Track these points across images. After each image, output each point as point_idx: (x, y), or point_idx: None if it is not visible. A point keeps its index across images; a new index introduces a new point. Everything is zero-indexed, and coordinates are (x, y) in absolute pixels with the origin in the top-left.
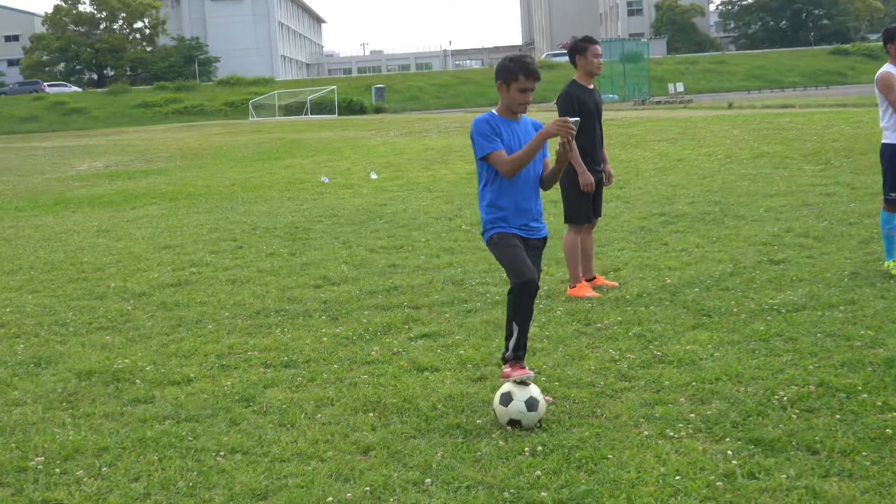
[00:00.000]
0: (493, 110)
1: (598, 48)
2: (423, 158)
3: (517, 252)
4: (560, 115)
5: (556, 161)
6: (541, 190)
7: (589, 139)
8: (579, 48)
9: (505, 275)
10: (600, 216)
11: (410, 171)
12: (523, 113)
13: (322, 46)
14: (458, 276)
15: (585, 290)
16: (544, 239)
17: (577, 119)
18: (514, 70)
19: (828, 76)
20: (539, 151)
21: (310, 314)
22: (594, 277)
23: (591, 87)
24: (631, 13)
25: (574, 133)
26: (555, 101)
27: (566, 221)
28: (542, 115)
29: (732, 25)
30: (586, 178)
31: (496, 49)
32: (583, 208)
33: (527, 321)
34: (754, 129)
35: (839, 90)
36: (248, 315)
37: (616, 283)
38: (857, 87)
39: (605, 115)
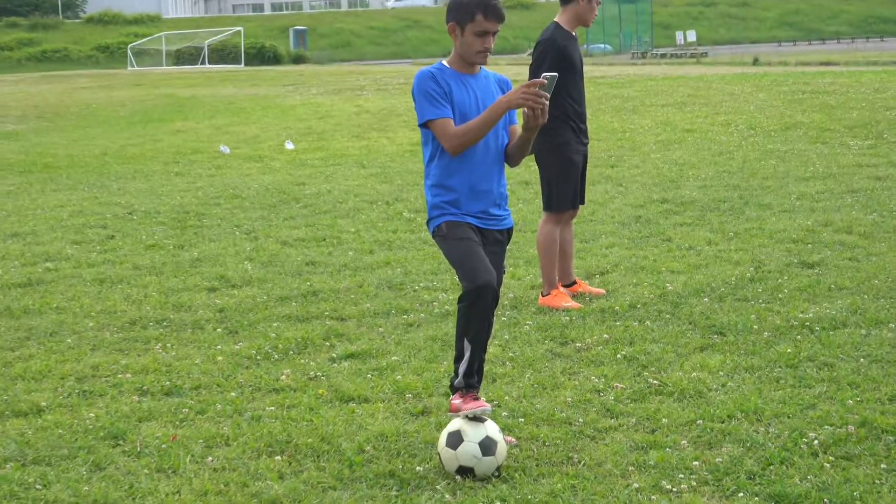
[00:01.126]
0: (444, 61)
1: None
2: (355, 124)
3: (471, 247)
4: (537, 70)
5: (523, 128)
6: (506, 166)
7: (577, 102)
8: None
9: (456, 277)
10: (584, 203)
11: (338, 140)
12: (482, 64)
13: None
14: (396, 279)
15: (562, 298)
16: (509, 231)
17: (554, 75)
18: (470, 7)
19: (882, 25)
20: (498, 122)
21: (201, 326)
22: (574, 282)
23: (575, 34)
24: None
25: (546, 101)
26: (528, 51)
27: (545, 209)
28: (514, 69)
29: None
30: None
31: None
32: (568, 191)
33: (483, 338)
34: (786, 93)
35: None
36: (120, 326)
37: (602, 291)
38: None
39: (595, 71)
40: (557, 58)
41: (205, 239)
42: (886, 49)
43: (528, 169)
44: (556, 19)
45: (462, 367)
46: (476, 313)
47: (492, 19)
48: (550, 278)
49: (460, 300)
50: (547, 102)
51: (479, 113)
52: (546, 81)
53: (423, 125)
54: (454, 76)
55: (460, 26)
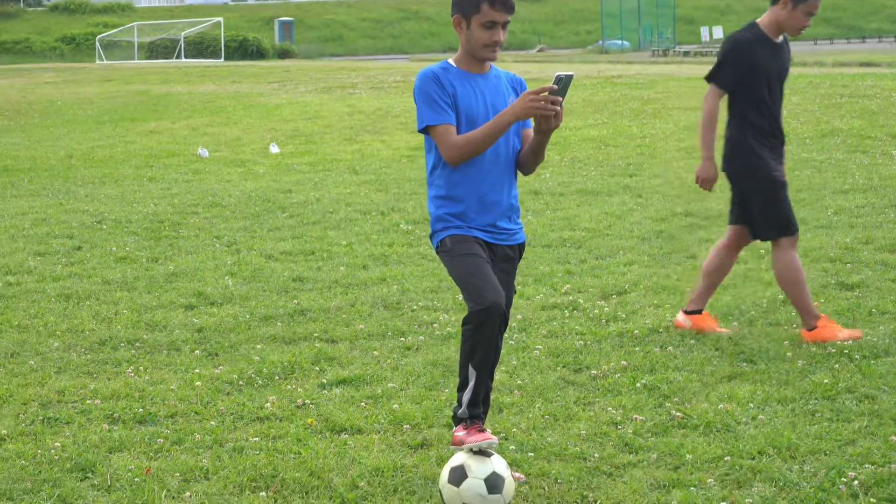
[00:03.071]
0: (450, 60)
1: None
2: (347, 126)
3: (478, 264)
4: (716, 71)
5: (536, 131)
6: (519, 174)
7: (767, 116)
8: None
9: (461, 296)
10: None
11: (327, 143)
12: (492, 59)
13: None
14: (392, 297)
15: (835, 329)
16: (521, 246)
17: (570, 74)
18: None
19: None
20: (506, 132)
21: (177, 347)
22: (701, 311)
23: (779, 40)
24: None
25: (559, 107)
26: (539, 47)
27: (777, 236)
28: (522, 67)
29: None
30: (706, 169)
31: None
32: (784, 210)
33: (490, 365)
34: (822, 96)
35: None
36: (89, 346)
37: (727, 331)
38: None
39: (611, 69)
40: (738, 61)
41: (181, 251)
42: None
43: (538, 178)
44: (757, 20)
45: (466, 395)
46: (482, 337)
47: (499, 8)
48: (809, 309)
49: (465, 322)
50: (559, 108)
51: (488, 118)
52: (557, 87)
53: (423, 131)
54: (461, 76)
55: (465, 18)
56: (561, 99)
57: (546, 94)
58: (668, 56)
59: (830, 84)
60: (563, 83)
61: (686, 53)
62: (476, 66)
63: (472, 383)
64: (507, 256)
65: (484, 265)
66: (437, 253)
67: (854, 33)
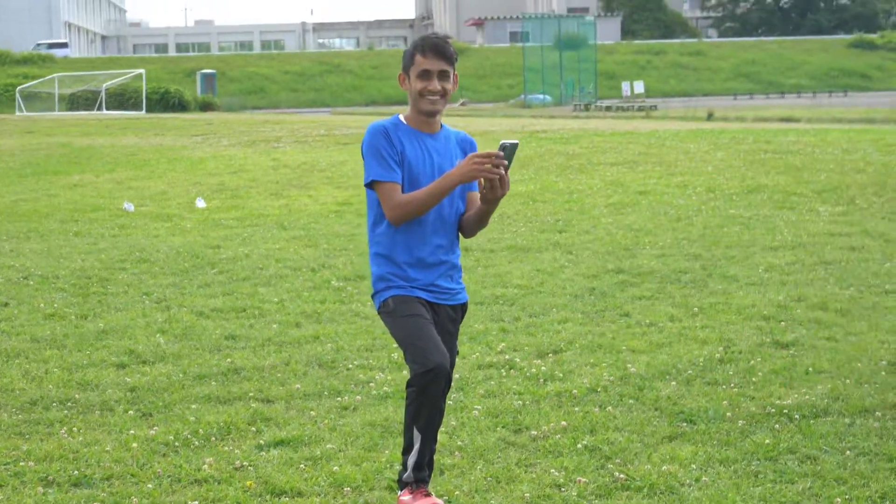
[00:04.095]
0: (401, 115)
1: None
2: (273, 180)
3: (422, 326)
4: None
5: (482, 199)
6: (461, 236)
7: None
8: None
9: (400, 355)
10: None
11: (254, 197)
12: (431, 113)
13: (124, 11)
14: (327, 356)
15: None
16: (463, 307)
17: (515, 142)
18: (410, 50)
19: (846, 78)
20: (449, 194)
21: (110, 407)
22: None
23: None
24: None
25: (504, 172)
26: (462, 101)
27: None
28: (447, 120)
29: (714, 2)
30: None
31: (378, 24)
32: None
33: (434, 427)
34: (746, 152)
35: (862, 98)
36: (19, 406)
37: None
38: (889, 95)
39: (535, 124)
40: None
41: (110, 308)
42: (851, 105)
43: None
44: None
45: (411, 459)
46: (427, 399)
47: (430, 56)
48: None
49: (409, 384)
50: (504, 173)
51: (433, 179)
52: (503, 151)
53: (369, 185)
54: (409, 134)
55: (406, 72)
56: (506, 163)
57: (490, 158)
58: (589, 110)
59: (753, 140)
60: (509, 151)
61: (608, 108)
62: (425, 125)
63: (417, 446)
64: (449, 317)
65: (427, 326)
66: (379, 313)
67: (773, 88)
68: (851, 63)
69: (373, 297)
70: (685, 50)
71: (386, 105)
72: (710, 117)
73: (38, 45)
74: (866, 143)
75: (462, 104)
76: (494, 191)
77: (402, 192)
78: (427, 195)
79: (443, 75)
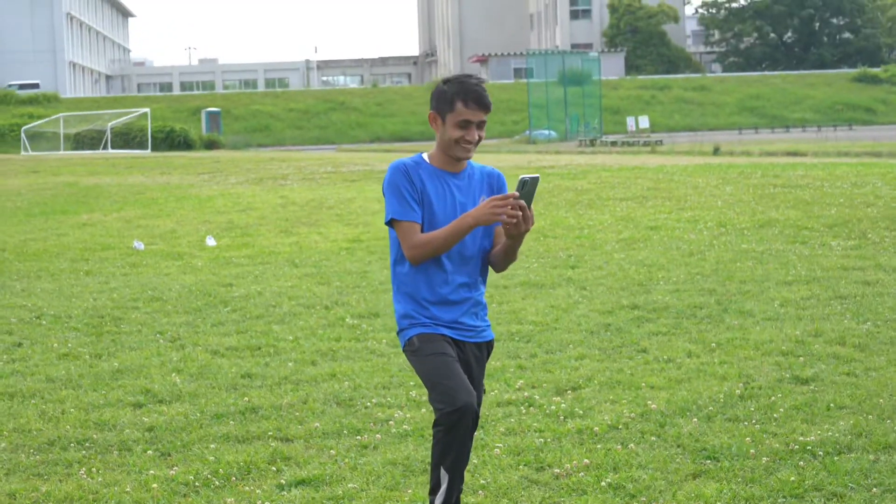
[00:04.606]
0: (424, 155)
1: None
2: (282, 217)
3: (448, 364)
4: None
5: (506, 235)
6: (491, 270)
7: None
8: None
9: (419, 392)
10: None
11: (264, 235)
12: (464, 158)
13: (129, 51)
14: (344, 394)
15: None
16: (489, 344)
17: (535, 177)
18: (449, 94)
19: (851, 112)
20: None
21: (128, 447)
22: None
23: None
24: (575, 15)
25: (522, 212)
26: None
27: None
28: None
29: (717, 37)
30: None
31: (382, 61)
32: None
33: (461, 467)
34: (755, 186)
35: (866, 132)
36: (37, 447)
37: None
38: (894, 129)
39: (542, 160)
40: None
41: (124, 347)
42: (857, 138)
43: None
44: None
45: (439, 499)
46: (454, 439)
47: (473, 107)
48: None
49: (436, 424)
50: (524, 212)
51: (454, 219)
52: (520, 192)
53: (389, 224)
54: (432, 173)
55: (441, 116)
56: (525, 203)
57: (511, 200)
58: (595, 146)
59: (762, 174)
60: (529, 186)
61: (613, 143)
62: (449, 164)
63: (444, 486)
64: (475, 355)
65: (453, 364)
66: (405, 352)
67: (777, 122)
68: (856, 97)
69: (398, 334)
70: (689, 85)
71: (390, 141)
72: (716, 152)
73: (10, 85)
74: (875, 176)
75: None
76: (518, 226)
77: (422, 230)
78: (445, 235)
79: (481, 125)
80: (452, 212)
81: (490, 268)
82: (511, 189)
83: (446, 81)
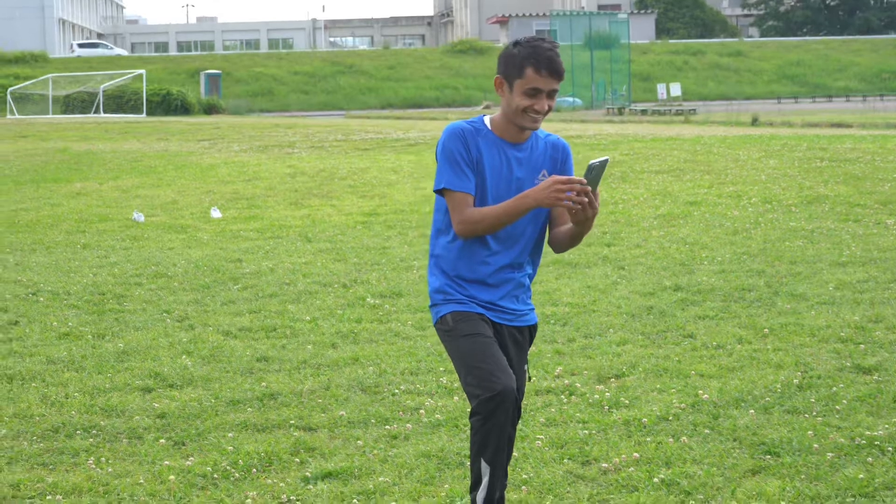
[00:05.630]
0: (486, 119)
1: None
2: (291, 188)
3: (486, 345)
4: None
5: (572, 220)
6: (546, 249)
7: None
8: None
9: (450, 378)
10: None
11: (273, 207)
12: (531, 128)
13: (123, 8)
14: (369, 379)
15: None
16: (531, 329)
17: (605, 159)
18: (519, 59)
19: None
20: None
21: (139, 435)
22: None
23: None
24: None
25: (587, 197)
26: (484, 103)
27: None
28: None
29: None
30: None
31: (394, 21)
32: None
33: (504, 459)
34: (800, 160)
35: None
36: (41, 434)
37: None
38: None
39: (568, 129)
40: None
41: (129, 327)
42: None
43: None
44: None
45: (481, 494)
46: (494, 427)
47: (545, 74)
48: None
49: (473, 413)
50: (589, 198)
51: (510, 194)
52: (588, 177)
53: (438, 192)
54: (491, 142)
55: (508, 81)
56: (591, 189)
57: (576, 185)
58: (623, 114)
59: (807, 147)
60: (596, 171)
61: (643, 111)
62: (512, 134)
63: (486, 480)
64: (514, 339)
65: (492, 346)
66: (437, 330)
67: (819, 91)
68: None
69: (430, 308)
70: (724, 50)
71: (402, 108)
72: (754, 122)
73: None
74: None
75: (485, 107)
76: (584, 211)
77: (474, 203)
78: (501, 213)
79: (552, 94)
80: (507, 188)
81: (550, 246)
82: (577, 168)
83: (516, 44)
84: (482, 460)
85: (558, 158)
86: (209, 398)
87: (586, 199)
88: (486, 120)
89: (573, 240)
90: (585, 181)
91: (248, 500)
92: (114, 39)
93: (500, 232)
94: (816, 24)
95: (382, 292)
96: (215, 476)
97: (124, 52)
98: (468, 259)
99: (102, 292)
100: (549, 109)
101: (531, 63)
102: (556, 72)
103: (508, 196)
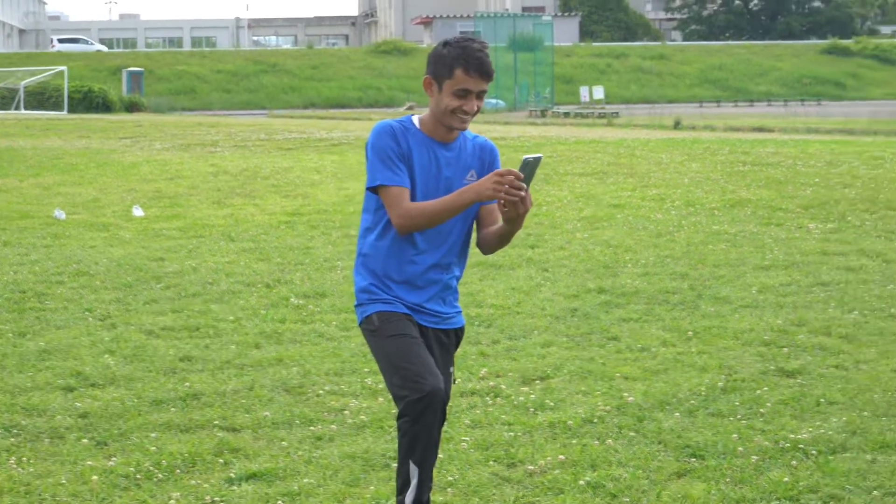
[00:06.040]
0: (414, 118)
1: None
2: (214, 187)
3: (412, 346)
4: None
5: (503, 219)
6: (473, 250)
7: None
8: None
9: (374, 379)
10: None
11: (195, 206)
12: (459, 129)
13: (44, 3)
14: (293, 380)
15: None
16: (457, 332)
17: (538, 156)
18: (449, 60)
19: (819, 86)
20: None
21: (61, 435)
22: None
23: None
24: None
25: (523, 192)
26: (407, 104)
27: None
28: None
29: (679, 3)
30: None
31: (318, 21)
32: None
33: (431, 460)
34: (723, 163)
35: (836, 108)
36: None
37: None
38: (866, 105)
39: (491, 130)
40: None
41: (50, 325)
42: (826, 114)
43: None
44: None
45: (409, 496)
46: (423, 429)
47: (474, 75)
48: None
49: (401, 415)
50: (524, 193)
51: (438, 193)
52: (523, 171)
53: (373, 189)
54: (421, 140)
55: (437, 82)
56: (524, 185)
57: (512, 177)
58: (546, 116)
59: (730, 150)
60: (531, 166)
61: (566, 114)
62: (441, 133)
63: (414, 482)
64: (440, 342)
65: (418, 347)
66: (363, 330)
67: (741, 96)
68: (825, 70)
69: (355, 308)
70: (647, 53)
71: (325, 107)
72: (677, 126)
73: None
74: (850, 155)
75: (408, 108)
76: (516, 208)
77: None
78: (441, 208)
79: (480, 95)
80: (435, 186)
81: (479, 248)
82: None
83: (446, 44)
84: (411, 462)
85: (486, 160)
86: (132, 398)
87: (522, 193)
88: (415, 119)
89: (502, 240)
90: (522, 175)
91: (172, 502)
92: (35, 35)
93: (429, 230)
94: (739, 29)
95: (306, 292)
96: (138, 476)
97: (104, 49)
98: (396, 258)
99: (23, 290)
100: (478, 110)
101: (461, 64)
102: (485, 73)
103: (437, 195)
